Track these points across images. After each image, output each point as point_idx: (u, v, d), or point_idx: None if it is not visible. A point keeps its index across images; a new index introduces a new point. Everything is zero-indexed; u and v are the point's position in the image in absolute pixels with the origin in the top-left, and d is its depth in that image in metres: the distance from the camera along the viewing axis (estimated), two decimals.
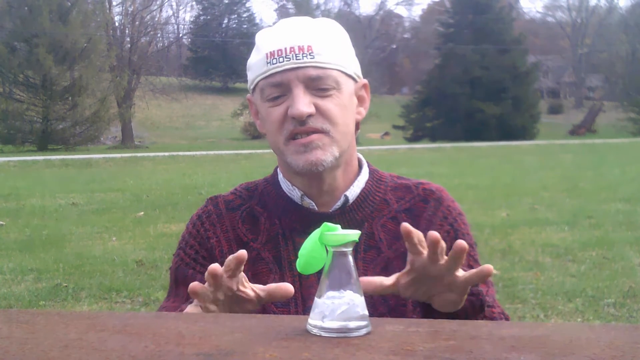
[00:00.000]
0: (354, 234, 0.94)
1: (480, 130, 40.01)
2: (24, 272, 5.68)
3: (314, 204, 1.30)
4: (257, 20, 59.22)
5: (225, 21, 59.36)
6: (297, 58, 1.22)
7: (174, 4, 54.39)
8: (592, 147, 28.77)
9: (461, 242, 1.01)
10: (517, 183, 13.15)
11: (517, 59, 43.04)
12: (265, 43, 1.26)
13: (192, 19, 60.46)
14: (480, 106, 40.75)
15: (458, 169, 17.02)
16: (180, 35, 57.45)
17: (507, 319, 1.27)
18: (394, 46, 62.51)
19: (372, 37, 54.58)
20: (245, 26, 57.08)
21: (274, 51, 1.23)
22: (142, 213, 8.89)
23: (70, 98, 32.79)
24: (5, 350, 0.85)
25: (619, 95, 51.86)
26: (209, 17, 58.00)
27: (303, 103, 1.20)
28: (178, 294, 1.31)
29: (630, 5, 62.45)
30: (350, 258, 0.94)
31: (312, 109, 1.21)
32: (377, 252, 1.26)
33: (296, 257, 1.04)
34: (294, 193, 1.30)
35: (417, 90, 47.28)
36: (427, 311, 1.14)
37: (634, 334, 0.96)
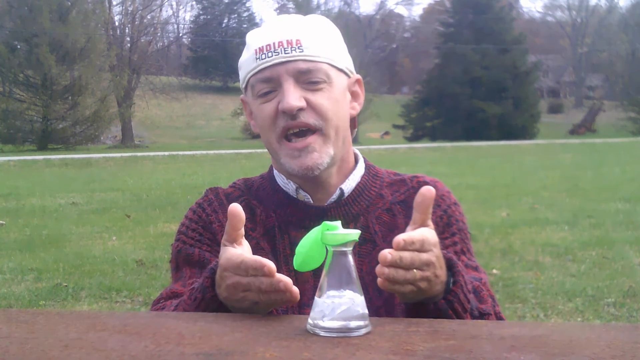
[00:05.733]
0: (355, 234, 0.94)
1: (480, 129, 40.04)
2: (24, 272, 5.67)
3: (309, 197, 1.30)
4: (257, 20, 59.19)
5: (225, 21, 59.40)
6: (286, 52, 1.22)
7: (174, 3, 54.36)
8: (592, 146, 28.76)
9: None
10: (517, 183, 13.14)
11: (517, 59, 43.07)
12: (254, 40, 1.26)
13: (192, 19, 60.54)
14: (480, 106, 40.78)
15: (458, 169, 17.00)
16: (180, 34, 57.41)
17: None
18: (394, 46, 62.42)
19: (372, 37, 54.45)
20: (245, 26, 57.02)
21: (262, 46, 1.23)
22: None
23: (70, 97, 32.81)
24: (5, 350, 0.85)
25: (619, 95, 51.89)
26: (209, 17, 58.02)
27: (293, 97, 1.20)
28: (180, 277, 1.29)
29: (630, 5, 62.41)
30: (350, 257, 0.94)
31: (302, 103, 1.21)
32: (372, 246, 1.26)
33: (292, 251, 1.03)
34: (289, 186, 1.30)
35: (417, 90, 47.31)
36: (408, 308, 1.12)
37: (634, 333, 0.96)
